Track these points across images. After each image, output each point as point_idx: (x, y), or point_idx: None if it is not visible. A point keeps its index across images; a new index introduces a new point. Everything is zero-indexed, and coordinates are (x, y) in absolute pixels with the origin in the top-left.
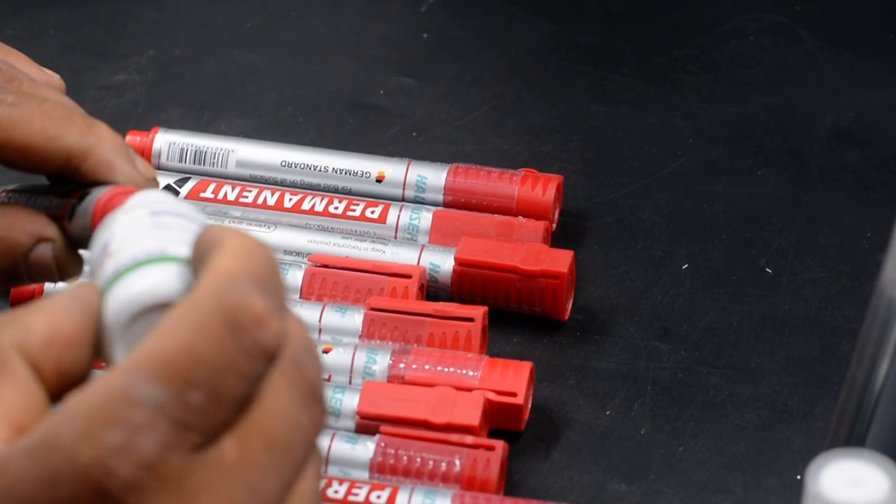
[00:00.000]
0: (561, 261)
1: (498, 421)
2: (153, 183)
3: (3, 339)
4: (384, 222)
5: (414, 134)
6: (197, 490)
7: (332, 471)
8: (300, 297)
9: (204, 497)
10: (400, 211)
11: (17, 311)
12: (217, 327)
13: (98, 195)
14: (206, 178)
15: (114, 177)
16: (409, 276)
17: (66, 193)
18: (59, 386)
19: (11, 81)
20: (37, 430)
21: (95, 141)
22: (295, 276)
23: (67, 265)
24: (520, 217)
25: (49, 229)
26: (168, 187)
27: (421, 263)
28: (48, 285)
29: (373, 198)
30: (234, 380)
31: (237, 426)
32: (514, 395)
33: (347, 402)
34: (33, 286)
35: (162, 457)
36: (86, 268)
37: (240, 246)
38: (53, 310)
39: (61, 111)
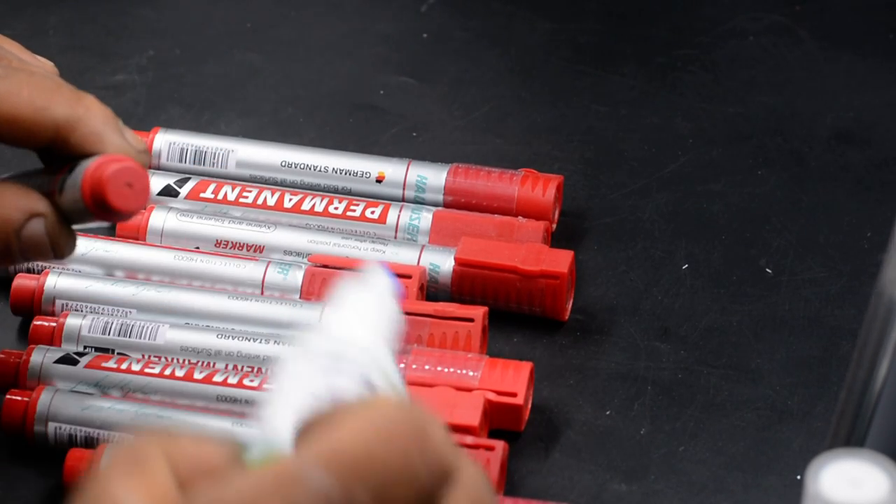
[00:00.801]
0: (561, 261)
1: (498, 421)
2: (143, 155)
3: (154, 442)
4: (384, 222)
5: (414, 134)
6: None
7: None
8: (300, 297)
9: None
10: (400, 211)
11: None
12: (402, 434)
13: (86, 165)
14: (206, 178)
15: (103, 148)
16: (409, 276)
17: (57, 170)
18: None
19: (1, 59)
20: None
21: (84, 112)
22: (295, 276)
23: (60, 240)
24: (520, 217)
25: (40, 204)
26: (168, 187)
27: (421, 263)
28: (49, 285)
29: (373, 198)
30: (405, 487)
31: None
32: (514, 395)
33: None
34: (34, 285)
35: None
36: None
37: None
38: (204, 440)
39: (49, 83)
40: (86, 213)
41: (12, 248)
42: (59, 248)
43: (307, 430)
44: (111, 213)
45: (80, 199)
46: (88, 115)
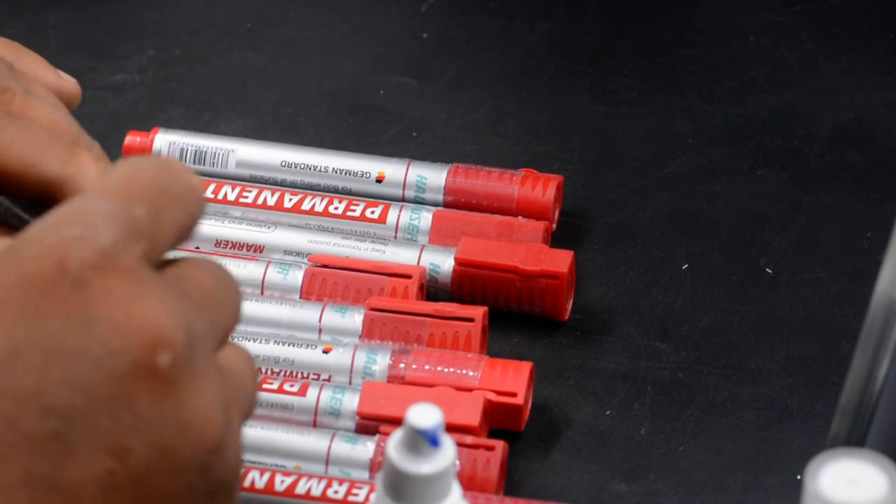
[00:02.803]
0: (561, 261)
1: (498, 421)
2: None
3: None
4: (384, 222)
5: (414, 134)
6: (147, 282)
7: (332, 471)
8: (300, 297)
9: (154, 287)
10: (400, 211)
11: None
12: (152, 166)
13: None
14: (206, 178)
15: None
16: (409, 276)
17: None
18: None
19: (3, 94)
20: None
21: (76, 170)
22: (295, 276)
23: None
24: (520, 217)
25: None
26: None
27: (421, 263)
28: None
29: (373, 198)
30: (171, 204)
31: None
32: (514, 395)
33: (347, 402)
34: None
35: (116, 248)
36: None
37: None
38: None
39: (43, 139)
40: None
41: None
42: None
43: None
44: None
45: None
46: (80, 174)
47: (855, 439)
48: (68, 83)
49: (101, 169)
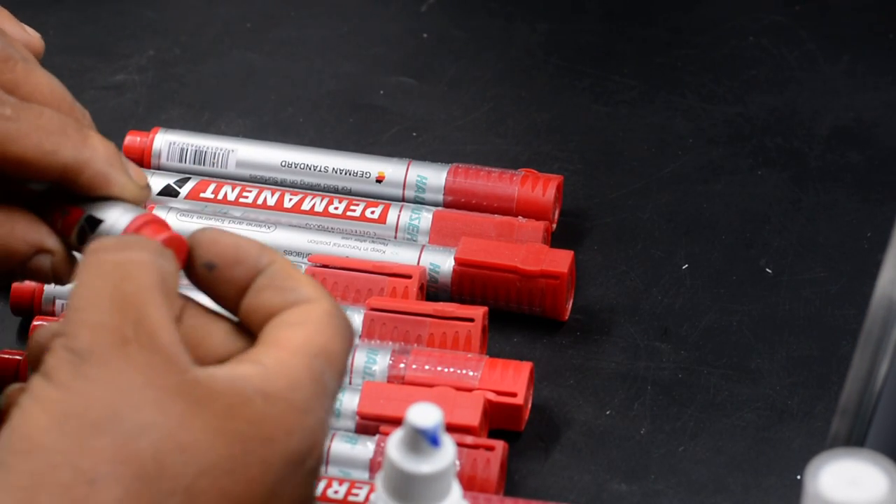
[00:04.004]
0: (561, 261)
1: (498, 421)
2: (146, 191)
3: None
4: (384, 222)
5: (414, 134)
6: None
7: (332, 471)
8: None
9: None
10: (400, 211)
11: None
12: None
13: (120, 224)
14: (206, 178)
15: (109, 189)
16: (409, 276)
17: (65, 204)
18: None
19: (7, 62)
20: None
21: (90, 154)
22: None
23: (64, 275)
24: (520, 217)
25: (50, 241)
26: (168, 187)
27: (421, 263)
28: (49, 285)
29: (373, 198)
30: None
31: None
32: (514, 395)
33: (347, 402)
34: (34, 285)
35: None
36: None
37: None
38: None
39: (56, 125)
40: None
41: (15, 273)
42: (60, 281)
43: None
44: None
45: None
46: (94, 157)
47: (855, 439)
48: (34, 38)
49: (111, 151)
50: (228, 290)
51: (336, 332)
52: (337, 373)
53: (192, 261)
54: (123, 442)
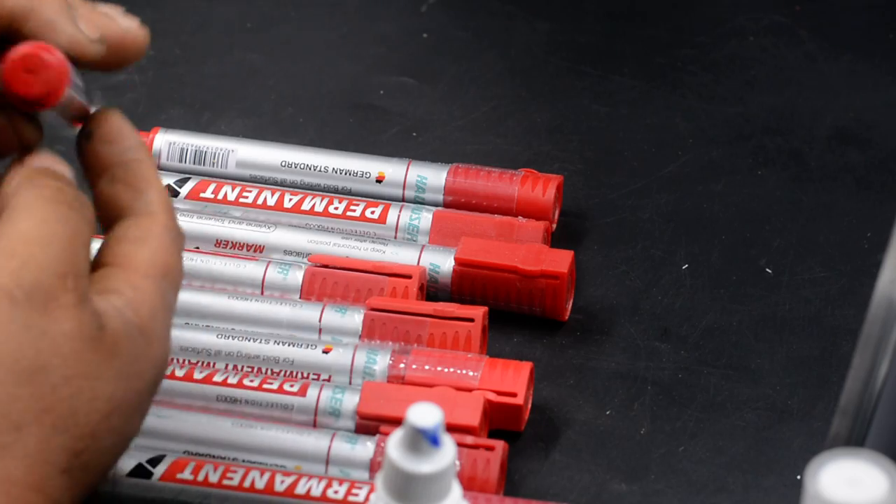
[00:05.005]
0: (561, 261)
1: (498, 421)
2: (97, 45)
3: None
4: (384, 222)
5: (414, 134)
6: None
7: (332, 471)
8: (300, 297)
9: None
10: (400, 211)
11: None
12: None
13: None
14: (206, 178)
15: (56, 37)
16: (409, 277)
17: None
18: None
19: None
20: None
21: (37, 1)
22: (295, 276)
23: (18, 125)
24: (520, 217)
25: None
26: (168, 187)
27: (421, 263)
28: None
29: (373, 198)
30: None
31: None
32: (514, 395)
33: (347, 402)
34: None
35: None
36: None
37: None
38: None
39: None
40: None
41: None
42: (20, 134)
43: None
44: (22, 101)
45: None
46: (42, 5)
47: (855, 439)
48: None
49: (62, 1)
50: (95, 165)
51: (175, 248)
52: (176, 290)
53: (82, 127)
54: (49, 391)
